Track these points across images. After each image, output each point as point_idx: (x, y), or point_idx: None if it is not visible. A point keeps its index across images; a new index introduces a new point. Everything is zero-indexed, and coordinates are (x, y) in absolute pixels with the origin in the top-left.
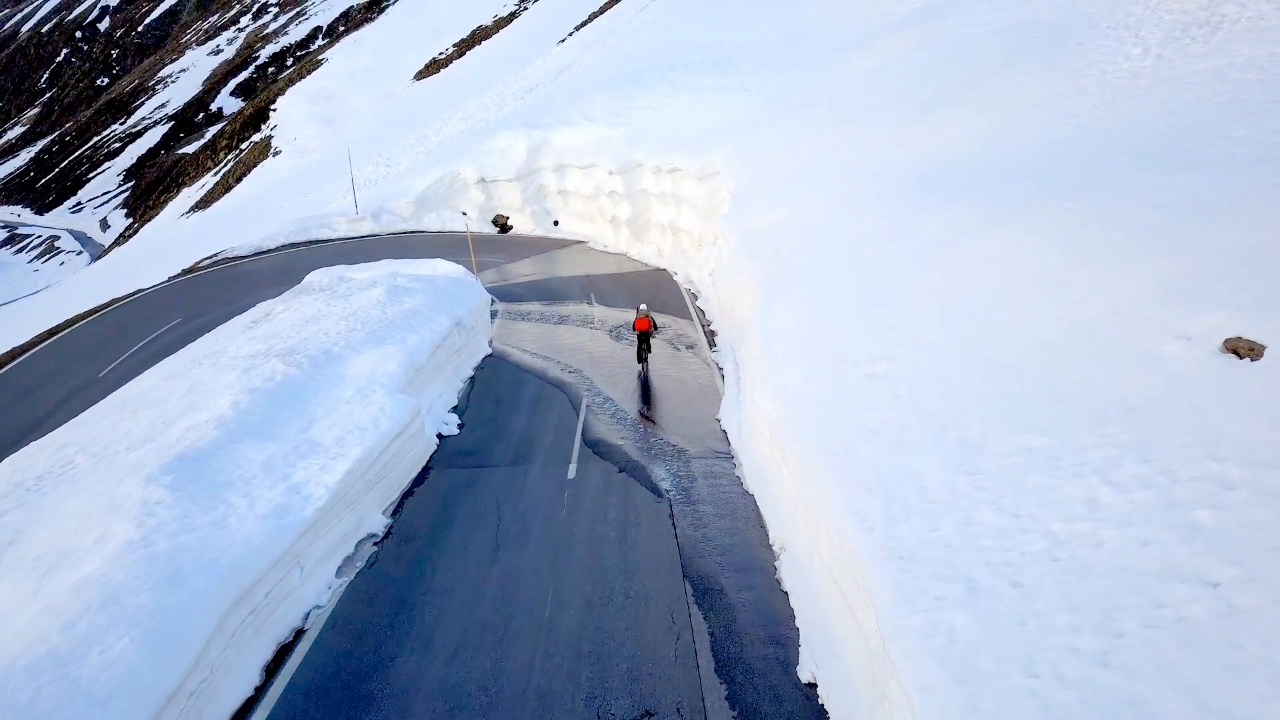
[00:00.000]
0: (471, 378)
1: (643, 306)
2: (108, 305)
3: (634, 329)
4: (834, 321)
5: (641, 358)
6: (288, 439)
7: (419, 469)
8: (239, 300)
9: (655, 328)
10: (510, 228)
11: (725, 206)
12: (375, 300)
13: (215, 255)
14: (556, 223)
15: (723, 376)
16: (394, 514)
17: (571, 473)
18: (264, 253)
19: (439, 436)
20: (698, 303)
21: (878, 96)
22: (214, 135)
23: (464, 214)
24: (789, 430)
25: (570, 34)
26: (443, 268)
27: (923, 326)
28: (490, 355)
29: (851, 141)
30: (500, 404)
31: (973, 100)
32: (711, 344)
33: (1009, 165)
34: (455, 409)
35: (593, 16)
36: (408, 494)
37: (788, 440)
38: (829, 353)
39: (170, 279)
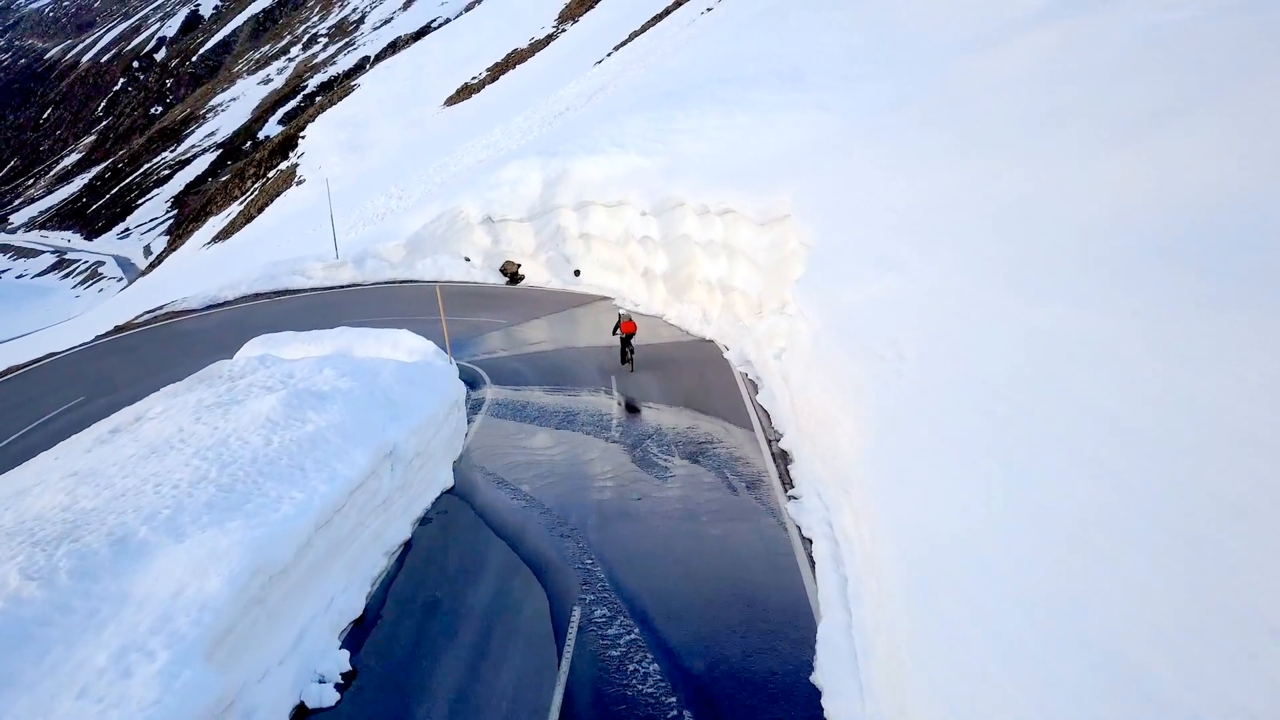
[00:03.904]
0: (407, 543)
1: (623, 311)
2: (5, 374)
3: (616, 332)
4: (1092, 561)
5: (625, 359)
6: None
7: None
8: (160, 374)
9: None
10: (522, 278)
11: (798, 264)
12: (263, 418)
13: (159, 309)
14: (577, 273)
15: (813, 563)
16: None
17: None
18: (218, 306)
19: (295, 714)
20: (758, 396)
21: (1025, 114)
22: (243, 163)
23: (467, 259)
24: None
25: (609, 54)
26: (405, 345)
27: None
28: (450, 491)
29: (996, 178)
30: (433, 615)
31: (1222, 112)
32: (786, 480)
33: None
34: (356, 625)
35: (633, 36)
36: None
37: None
38: (1110, 675)
39: (96, 338)
